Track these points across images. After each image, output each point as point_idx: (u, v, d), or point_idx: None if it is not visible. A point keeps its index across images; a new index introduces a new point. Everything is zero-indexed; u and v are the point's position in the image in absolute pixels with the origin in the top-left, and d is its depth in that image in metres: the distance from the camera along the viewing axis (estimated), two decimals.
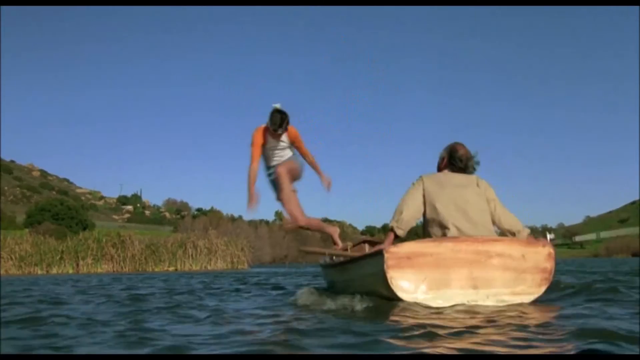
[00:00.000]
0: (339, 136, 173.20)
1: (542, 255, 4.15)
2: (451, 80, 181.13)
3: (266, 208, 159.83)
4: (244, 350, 2.31)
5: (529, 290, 4.11)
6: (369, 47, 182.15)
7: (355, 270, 4.62)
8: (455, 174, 4.57)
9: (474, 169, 4.64)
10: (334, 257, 5.91)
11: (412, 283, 3.96)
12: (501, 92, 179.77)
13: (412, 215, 4.41)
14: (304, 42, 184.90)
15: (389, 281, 3.94)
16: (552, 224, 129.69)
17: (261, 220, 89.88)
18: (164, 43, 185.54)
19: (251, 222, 78.82)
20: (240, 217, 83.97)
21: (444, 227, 4.31)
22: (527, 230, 4.55)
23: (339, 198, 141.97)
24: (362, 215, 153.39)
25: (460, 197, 4.38)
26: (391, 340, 2.43)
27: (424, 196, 4.44)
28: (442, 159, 4.69)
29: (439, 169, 4.71)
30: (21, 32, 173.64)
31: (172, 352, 2.36)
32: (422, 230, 4.58)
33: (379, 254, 4.02)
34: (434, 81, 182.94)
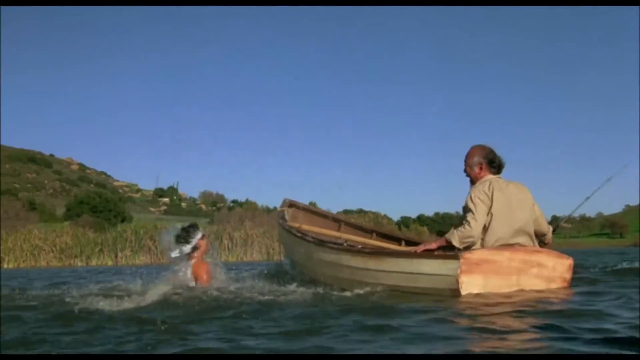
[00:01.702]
0: (370, 125, 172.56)
1: (565, 266, 4.59)
2: (488, 72, 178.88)
3: (301, 200, 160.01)
4: None
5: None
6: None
7: (410, 264, 4.57)
8: (509, 184, 4.77)
9: (503, 168, 4.90)
10: (346, 243, 5.72)
11: (476, 287, 4.25)
12: (539, 82, 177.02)
13: (478, 239, 4.55)
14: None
15: (460, 285, 4.20)
16: (591, 213, 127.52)
17: None
18: (197, 32, 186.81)
19: None
20: (275, 208, 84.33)
21: (490, 239, 4.52)
22: (551, 229, 4.95)
23: (373, 188, 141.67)
24: (397, 206, 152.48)
25: (513, 207, 4.59)
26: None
27: (489, 206, 4.60)
28: (478, 165, 4.83)
29: (476, 175, 4.85)
30: (53, 25, 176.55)
31: None
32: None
33: (454, 257, 4.24)
34: (467, 74, 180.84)
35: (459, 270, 4.17)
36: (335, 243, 5.58)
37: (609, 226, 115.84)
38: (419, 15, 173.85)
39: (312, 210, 7.30)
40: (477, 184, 4.76)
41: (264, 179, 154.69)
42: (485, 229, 4.55)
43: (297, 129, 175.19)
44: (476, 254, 4.29)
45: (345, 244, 5.62)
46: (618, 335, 2.40)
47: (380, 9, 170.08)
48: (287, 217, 6.73)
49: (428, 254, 4.54)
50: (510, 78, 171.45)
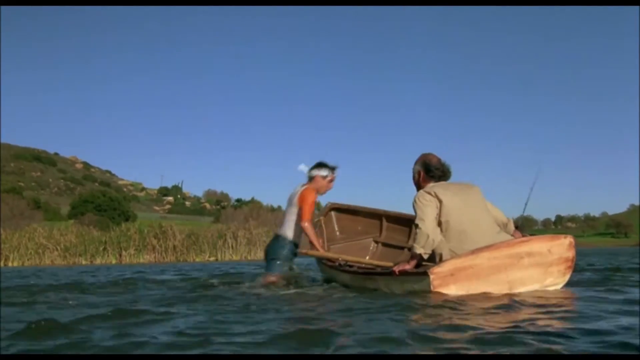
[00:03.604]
0: (374, 122, 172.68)
1: (564, 246, 4.42)
2: (489, 71, 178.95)
3: None
4: None
5: (556, 280, 4.39)
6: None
7: (394, 284, 4.71)
8: (452, 183, 4.77)
9: (450, 176, 4.83)
10: (347, 263, 5.93)
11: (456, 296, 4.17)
12: (543, 82, 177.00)
13: (436, 236, 4.50)
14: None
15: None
16: (596, 212, 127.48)
17: None
18: (202, 32, 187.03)
19: None
20: (279, 207, 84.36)
21: (460, 237, 4.45)
22: (511, 221, 4.90)
23: (374, 187, 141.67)
24: (400, 205, 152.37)
25: (469, 210, 4.56)
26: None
27: (438, 208, 4.54)
28: (417, 172, 4.88)
29: (418, 184, 4.89)
30: (57, 24, 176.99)
31: None
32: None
33: (425, 274, 4.22)
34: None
35: (431, 286, 4.17)
36: (339, 265, 5.90)
37: (614, 226, 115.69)
38: (425, 14, 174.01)
39: (354, 210, 7.61)
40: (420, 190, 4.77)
41: (269, 178, 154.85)
42: (447, 238, 4.49)
43: (301, 127, 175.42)
44: (447, 266, 4.22)
45: (344, 265, 5.90)
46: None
47: (385, 9, 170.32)
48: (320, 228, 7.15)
49: (404, 274, 4.54)
50: (520, 77, 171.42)
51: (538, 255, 4.32)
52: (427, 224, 4.47)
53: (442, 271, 4.20)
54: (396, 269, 4.59)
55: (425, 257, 4.51)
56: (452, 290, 4.18)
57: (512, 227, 4.85)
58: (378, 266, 5.31)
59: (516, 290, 4.24)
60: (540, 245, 4.36)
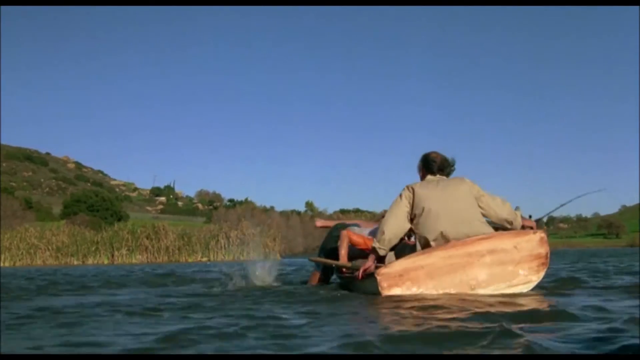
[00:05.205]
0: (368, 123, 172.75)
1: (534, 242, 4.20)
2: (484, 71, 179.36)
3: (297, 199, 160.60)
4: None
5: (526, 279, 4.17)
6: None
7: (360, 285, 4.70)
8: (438, 177, 4.60)
9: (451, 172, 4.70)
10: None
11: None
12: (539, 81, 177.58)
13: (394, 234, 4.44)
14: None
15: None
16: (587, 213, 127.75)
17: (292, 211, 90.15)
18: (193, 31, 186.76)
19: (283, 213, 79.14)
20: (272, 207, 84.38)
21: (431, 232, 4.31)
22: (519, 213, 4.55)
23: (369, 187, 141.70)
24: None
25: (447, 198, 4.38)
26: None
27: (411, 204, 4.45)
28: (419, 169, 4.80)
29: (421, 178, 4.79)
30: (49, 24, 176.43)
31: None
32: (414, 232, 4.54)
33: (371, 276, 4.16)
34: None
35: (379, 288, 4.07)
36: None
37: (606, 226, 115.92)
38: (420, 14, 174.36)
39: None
40: None
41: (262, 179, 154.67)
42: (421, 224, 4.37)
43: (297, 127, 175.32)
44: (395, 266, 4.11)
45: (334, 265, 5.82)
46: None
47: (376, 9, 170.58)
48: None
49: (365, 276, 4.49)
50: (510, 77, 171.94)
51: (502, 252, 4.12)
52: (388, 221, 4.44)
53: (389, 272, 4.09)
54: (360, 271, 4.52)
55: (381, 252, 4.44)
56: (402, 290, 4.05)
57: (519, 222, 4.50)
58: (351, 268, 5.17)
59: (480, 290, 4.07)
60: (503, 241, 4.16)
